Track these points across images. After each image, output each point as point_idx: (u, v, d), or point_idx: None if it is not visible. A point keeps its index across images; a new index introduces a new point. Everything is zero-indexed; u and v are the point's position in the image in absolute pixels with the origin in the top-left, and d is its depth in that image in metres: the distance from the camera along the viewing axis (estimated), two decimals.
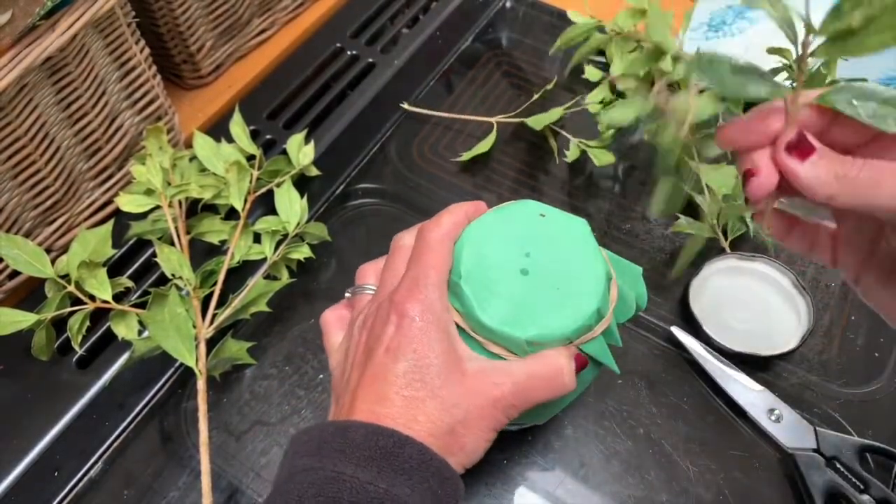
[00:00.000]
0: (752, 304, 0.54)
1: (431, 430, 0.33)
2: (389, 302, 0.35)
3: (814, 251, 0.34)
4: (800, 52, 0.27)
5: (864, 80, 0.58)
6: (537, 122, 0.62)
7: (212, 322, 0.49)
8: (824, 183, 0.27)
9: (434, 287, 0.35)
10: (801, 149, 0.28)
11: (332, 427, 0.33)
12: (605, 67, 0.67)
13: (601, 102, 0.63)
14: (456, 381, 0.34)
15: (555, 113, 0.63)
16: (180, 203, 0.54)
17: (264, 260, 0.53)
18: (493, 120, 0.63)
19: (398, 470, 0.31)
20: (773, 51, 0.60)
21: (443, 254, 0.36)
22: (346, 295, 0.42)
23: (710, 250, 0.57)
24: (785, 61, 0.60)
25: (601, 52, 0.68)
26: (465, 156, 0.63)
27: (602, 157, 0.61)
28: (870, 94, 0.26)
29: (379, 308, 0.36)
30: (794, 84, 0.26)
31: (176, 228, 0.53)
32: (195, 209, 0.55)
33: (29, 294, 0.54)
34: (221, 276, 0.51)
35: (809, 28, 0.25)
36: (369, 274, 0.40)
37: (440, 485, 0.32)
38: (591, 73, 0.67)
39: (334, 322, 0.41)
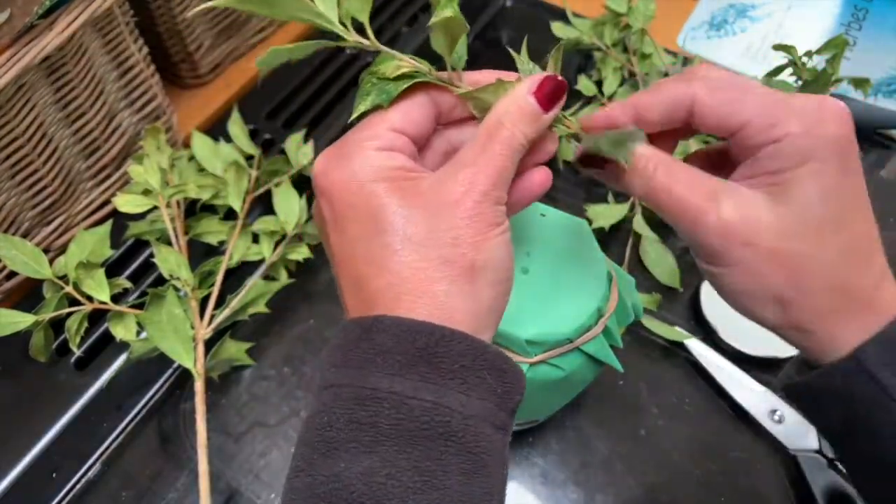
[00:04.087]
0: None
1: (434, 274, 0.27)
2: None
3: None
4: None
5: (867, 79, 0.58)
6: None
7: (210, 323, 0.49)
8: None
9: (354, 137, 0.29)
10: None
11: (357, 328, 0.27)
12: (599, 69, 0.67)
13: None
14: (422, 207, 0.27)
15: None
16: (178, 203, 0.54)
17: (263, 260, 0.53)
18: None
19: (446, 374, 0.26)
20: (778, 48, 0.60)
21: (397, 107, 0.29)
22: None
23: None
24: (790, 57, 0.60)
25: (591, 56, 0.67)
26: None
27: None
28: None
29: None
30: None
31: (174, 229, 0.52)
32: (193, 209, 0.55)
33: (27, 295, 0.54)
34: (220, 277, 0.51)
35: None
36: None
37: (498, 380, 0.27)
38: (586, 86, 0.65)
39: None
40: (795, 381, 0.32)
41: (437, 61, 0.30)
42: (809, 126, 0.27)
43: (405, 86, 0.28)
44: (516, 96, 0.29)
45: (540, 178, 0.31)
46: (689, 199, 0.29)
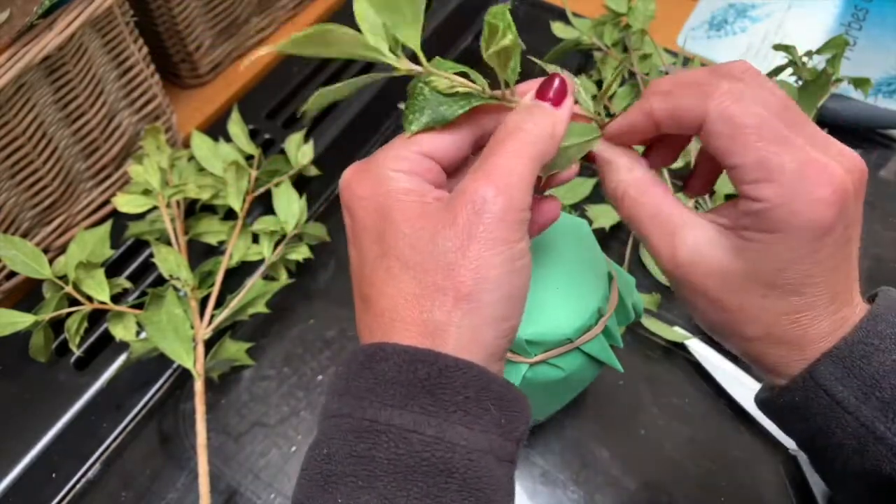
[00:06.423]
0: None
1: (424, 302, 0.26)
2: None
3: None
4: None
5: (867, 79, 0.58)
6: None
7: (210, 323, 0.49)
8: None
9: (381, 156, 0.28)
10: None
11: (361, 355, 0.26)
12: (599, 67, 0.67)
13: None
14: (424, 230, 0.26)
15: None
16: (178, 203, 0.54)
17: (263, 260, 0.53)
18: None
19: (448, 406, 0.25)
20: (778, 48, 0.60)
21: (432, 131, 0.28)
22: None
23: None
24: (790, 57, 0.60)
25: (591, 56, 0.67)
26: None
27: None
28: None
29: None
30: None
31: (174, 229, 0.52)
32: (193, 209, 0.55)
33: (26, 295, 0.54)
34: (219, 277, 0.51)
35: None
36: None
37: (503, 410, 0.26)
38: (586, 86, 0.65)
39: None
40: (762, 396, 0.33)
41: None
42: (789, 199, 0.26)
43: (461, 111, 0.28)
44: (524, 102, 0.29)
45: (548, 208, 0.31)
46: (652, 231, 0.29)
